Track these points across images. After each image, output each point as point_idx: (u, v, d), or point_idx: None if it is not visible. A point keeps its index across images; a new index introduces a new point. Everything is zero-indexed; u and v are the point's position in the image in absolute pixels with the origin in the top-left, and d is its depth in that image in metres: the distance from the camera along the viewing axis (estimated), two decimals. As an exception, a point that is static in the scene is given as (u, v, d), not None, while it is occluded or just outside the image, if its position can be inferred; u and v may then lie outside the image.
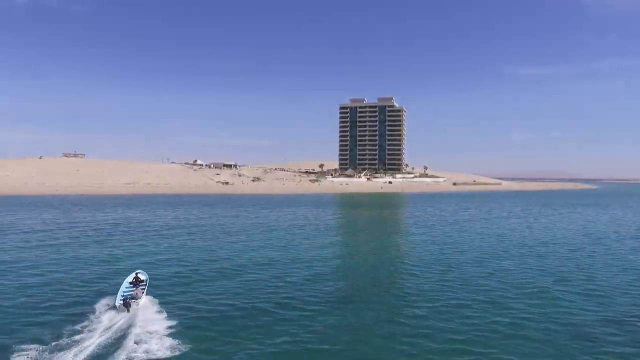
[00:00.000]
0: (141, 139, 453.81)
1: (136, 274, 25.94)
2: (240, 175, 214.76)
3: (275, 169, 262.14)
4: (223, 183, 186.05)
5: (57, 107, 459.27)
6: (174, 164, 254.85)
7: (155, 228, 55.77)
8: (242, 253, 38.82)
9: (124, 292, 23.30)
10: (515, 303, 24.28)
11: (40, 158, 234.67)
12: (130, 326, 18.96)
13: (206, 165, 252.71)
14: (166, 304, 22.70)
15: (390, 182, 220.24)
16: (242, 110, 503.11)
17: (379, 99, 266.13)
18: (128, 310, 20.66)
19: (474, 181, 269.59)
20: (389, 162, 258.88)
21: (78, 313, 21.21)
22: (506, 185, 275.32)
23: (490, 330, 20.03)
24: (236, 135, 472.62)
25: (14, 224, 57.16)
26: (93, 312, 21.23)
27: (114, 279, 28.16)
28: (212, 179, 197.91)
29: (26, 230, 51.78)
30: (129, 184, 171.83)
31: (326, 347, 18.11)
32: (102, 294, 24.32)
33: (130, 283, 24.83)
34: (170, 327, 19.23)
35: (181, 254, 37.94)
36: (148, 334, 18.19)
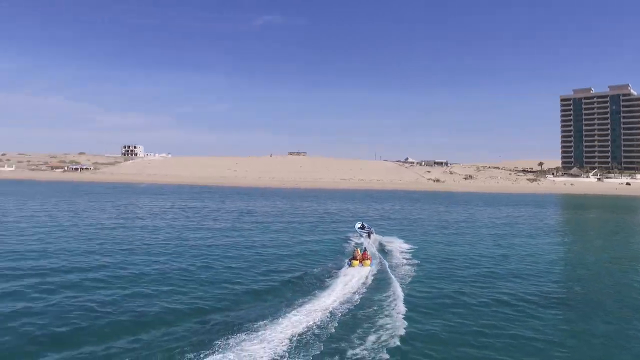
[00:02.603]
0: (356, 138, 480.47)
1: (361, 222, 43.93)
2: (451, 173, 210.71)
3: (489, 167, 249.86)
4: (434, 180, 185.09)
5: (284, 113, 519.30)
6: (386, 162, 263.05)
7: (381, 216, 58.54)
8: (455, 245, 38.36)
9: (360, 231, 40.57)
10: None
11: (270, 156, 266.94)
12: (379, 242, 37.19)
13: (417, 162, 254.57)
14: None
15: (628, 184, 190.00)
16: (453, 108, 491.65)
17: (610, 87, 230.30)
18: (369, 237, 37.94)
19: None
20: (626, 161, 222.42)
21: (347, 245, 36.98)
22: None
23: None
24: (447, 133, 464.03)
25: (256, 209, 66.59)
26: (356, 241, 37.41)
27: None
28: (423, 176, 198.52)
29: (266, 212, 59.95)
30: (344, 179, 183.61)
31: (551, 347, 16.85)
32: (344, 240, 38.97)
33: (360, 227, 41.80)
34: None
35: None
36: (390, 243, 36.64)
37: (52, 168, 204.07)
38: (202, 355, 13.95)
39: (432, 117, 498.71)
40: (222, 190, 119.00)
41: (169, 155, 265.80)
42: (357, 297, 20.90)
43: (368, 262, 26.75)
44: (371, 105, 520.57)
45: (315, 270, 26.76)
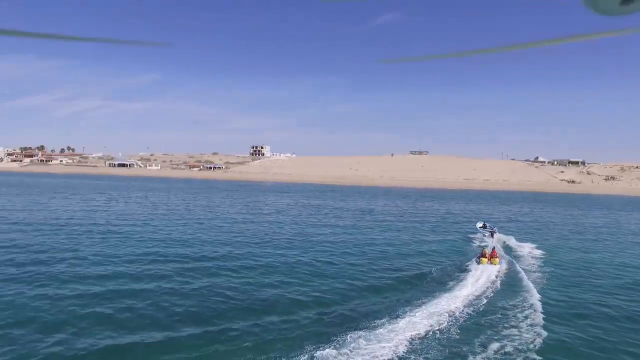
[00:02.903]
0: (480, 137, 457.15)
1: (482, 222, 43.37)
2: (589, 174, 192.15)
3: (637, 166, 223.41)
4: (568, 181, 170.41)
5: (405, 113, 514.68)
6: (514, 161, 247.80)
7: (508, 218, 55.70)
8: (593, 252, 35.04)
9: (481, 230, 40.40)
10: None
11: (391, 155, 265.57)
12: (506, 244, 36.00)
13: (549, 162, 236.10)
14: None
15: None
16: (591, 103, 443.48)
17: None
18: (492, 237, 37.30)
19: None
20: None
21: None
22: None
23: None
24: (584, 130, 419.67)
25: (377, 208, 66.91)
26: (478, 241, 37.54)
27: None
28: (556, 177, 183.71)
29: (384, 212, 59.93)
30: (468, 179, 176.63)
31: None
32: (467, 240, 39.07)
33: (481, 227, 41.28)
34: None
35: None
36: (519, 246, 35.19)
37: (190, 167, 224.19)
38: (320, 347, 14.37)
39: (566, 112, 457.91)
40: (344, 189, 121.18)
41: (293, 155, 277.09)
42: (483, 301, 20.03)
43: (497, 260, 26.78)
44: (497, 103, 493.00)
45: (436, 270, 26.34)
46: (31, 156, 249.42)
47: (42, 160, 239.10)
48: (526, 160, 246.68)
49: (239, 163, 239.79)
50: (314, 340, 15.14)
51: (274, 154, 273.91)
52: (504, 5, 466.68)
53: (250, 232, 39.37)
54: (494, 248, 29.29)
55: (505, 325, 17.24)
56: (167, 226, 40.62)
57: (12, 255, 26.35)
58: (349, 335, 15.32)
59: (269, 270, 25.14)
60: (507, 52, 2.51)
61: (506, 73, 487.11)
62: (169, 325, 16.48)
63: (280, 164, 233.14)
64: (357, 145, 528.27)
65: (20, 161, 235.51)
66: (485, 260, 26.57)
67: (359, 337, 15.21)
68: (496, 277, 24.28)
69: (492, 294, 21.12)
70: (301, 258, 28.82)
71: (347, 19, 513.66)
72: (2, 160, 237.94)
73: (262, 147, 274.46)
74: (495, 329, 16.75)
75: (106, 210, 51.32)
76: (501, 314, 18.40)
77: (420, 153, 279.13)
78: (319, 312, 18.29)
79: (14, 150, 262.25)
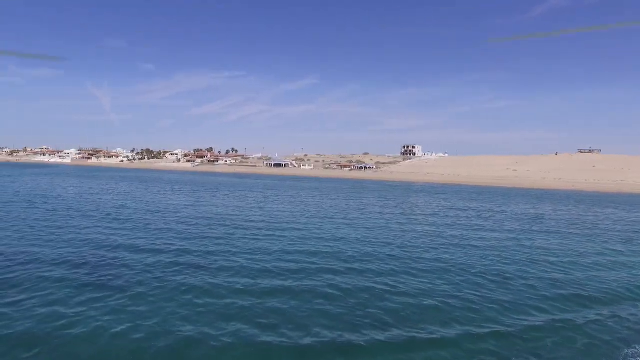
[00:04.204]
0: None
1: None
2: None
3: None
4: None
5: (571, 109, 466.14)
6: None
7: None
8: None
9: None
10: None
11: (556, 154, 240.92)
12: None
13: None
14: None
15: None
16: None
17: None
18: None
19: None
20: None
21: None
22: None
23: None
24: None
25: (545, 213, 59.36)
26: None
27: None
28: None
29: (557, 219, 52.57)
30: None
31: None
32: None
33: None
34: None
35: None
36: None
37: (341, 167, 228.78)
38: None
39: None
40: (501, 191, 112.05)
41: (446, 155, 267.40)
42: None
43: None
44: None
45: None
46: (202, 157, 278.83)
47: (210, 161, 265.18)
48: None
49: (390, 163, 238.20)
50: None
51: (426, 153, 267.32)
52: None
53: (405, 234, 36.49)
54: None
55: None
56: (316, 225, 39.72)
57: (177, 246, 27.35)
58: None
59: (427, 276, 22.07)
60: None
61: None
62: (312, 328, 14.76)
63: (432, 164, 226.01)
64: (516, 144, 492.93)
65: (193, 161, 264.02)
66: None
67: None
68: None
69: None
70: (462, 265, 25.13)
71: (501, 10, 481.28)
72: (180, 161, 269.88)
73: (413, 147, 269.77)
74: None
75: (261, 208, 52.70)
76: None
77: (591, 151, 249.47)
78: (482, 335, 14.81)
79: (189, 152, 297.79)
